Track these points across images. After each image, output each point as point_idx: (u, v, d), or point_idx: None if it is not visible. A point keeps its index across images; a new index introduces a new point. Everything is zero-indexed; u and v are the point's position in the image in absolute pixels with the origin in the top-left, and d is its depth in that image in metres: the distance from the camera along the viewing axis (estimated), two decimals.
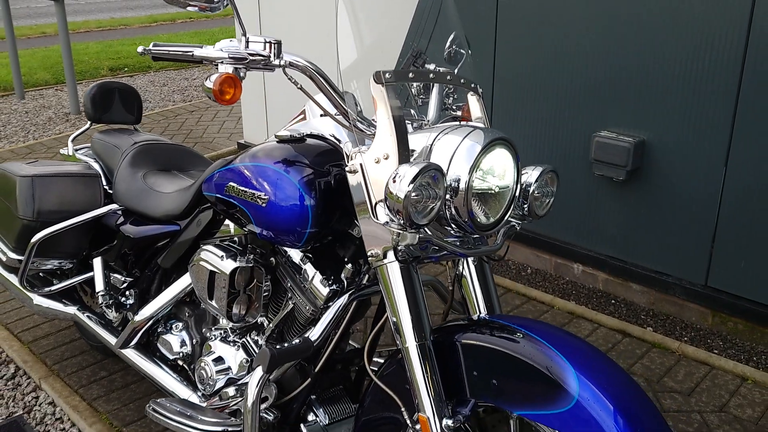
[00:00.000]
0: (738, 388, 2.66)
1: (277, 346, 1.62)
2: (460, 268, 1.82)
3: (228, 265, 1.89)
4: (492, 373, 1.53)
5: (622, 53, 3.14)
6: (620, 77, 3.17)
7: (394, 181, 1.46)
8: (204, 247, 1.99)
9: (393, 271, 1.59)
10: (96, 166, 2.60)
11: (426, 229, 1.56)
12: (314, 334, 1.71)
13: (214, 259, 1.93)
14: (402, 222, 1.48)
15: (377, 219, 1.58)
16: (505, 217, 1.66)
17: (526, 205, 1.73)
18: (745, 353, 2.95)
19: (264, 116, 5.12)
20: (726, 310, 3.07)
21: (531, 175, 1.72)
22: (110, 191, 2.54)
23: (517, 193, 1.68)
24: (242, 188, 1.85)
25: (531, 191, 1.71)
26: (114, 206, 2.42)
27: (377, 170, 1.58)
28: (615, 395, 1.41)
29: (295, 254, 1.92)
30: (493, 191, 1.61)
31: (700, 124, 2.97)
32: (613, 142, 3.16)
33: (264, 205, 1.80)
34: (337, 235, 1.86)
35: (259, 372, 1.65)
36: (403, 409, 1.64)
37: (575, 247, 3.54)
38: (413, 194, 1.44)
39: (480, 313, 1.79)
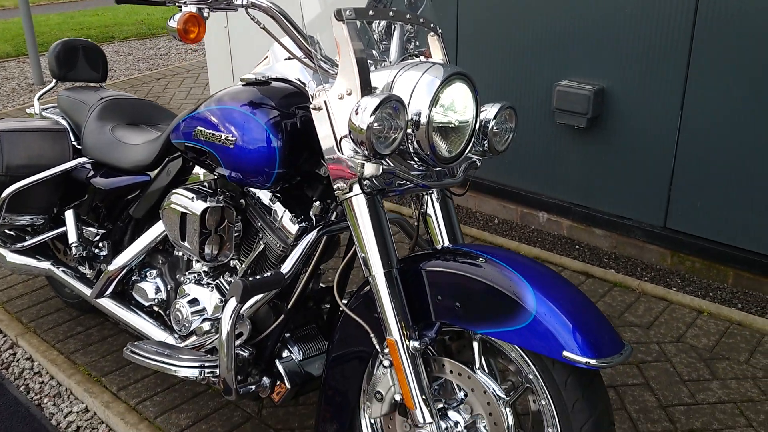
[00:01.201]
0: (694, 320, 2.79)
1: (250, 278, 1.68)
2: (425, 205, 1.90)
3: (198, 206, 1.94)
4: (455, 296, 1.61)
5: (581, 3, 3.20)
6: (579, 27, 3.24)
7: (357, 113, 1.52)
8: (175, 191, 2.04)
9: (359, 203, 1.66)
10: (63, 122, 2.61)
11: (389, 161, 1.62)
12: (285, 267, 1.77)
13: (184, 201, 1.98)
14: (366, 153, 1.54)
15: (342, 153, 1.64)
16: (466, 152, 1.72)
17: (485, 141, 1.79)
18: (701, 289, 3.09)
19: (231, 82, 5.11)
20: (684, 249, 3.19)
21: (490, 111, 1.78)
22: (78, 146, 2.56)
23: (477, 127, 1.74)
24: (210, 132, 1.89)
25: (490, 127, 1.78)
26: (83, 159, 2.44)
27: (341, 106, 1.64)
28: (570, 311, 1.50)
29: (264, 195, 1.98)
30: (453, 125, 1.67)
31: (656, 70, 3.05)
32: (573, 91, 3.24)
33: (232, 147, 1.84)
34: (304, 175, 1.91)
35: (232, 303, 1.71)
36: (372, 336, 1.72)
37: (540, 196, 3.64)
38: (375, 124, 1.50)
39: (444, 244, 1.87)
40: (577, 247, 3.50)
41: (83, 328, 2.87)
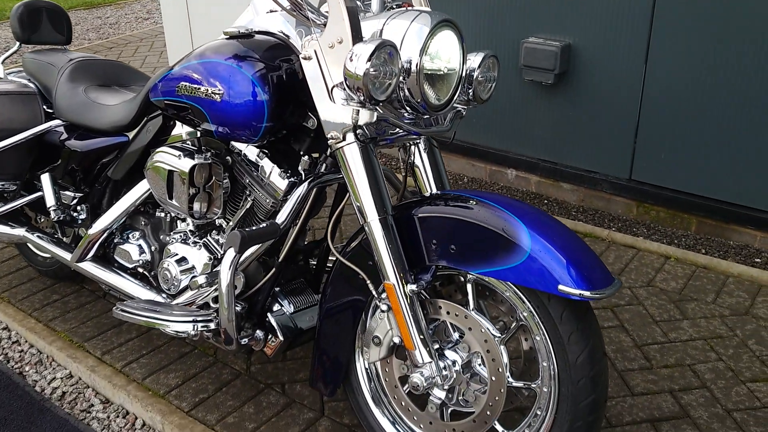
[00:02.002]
0: (662, 265, 2.90)
1: (247, 229, 1.69)
2: (412, 156, 1.93)
3: (186, 164, 1.93)
4: (450, 239, 1.65)
5: None
6: None
7: (351, 60, 1.53)
8: (159, 150, 2.02)
9: (353, 152, 1.68)
10: (31, 84, 2.54)
11: (382, 108, 1.64)
12: (279, 218, 1.78)
13: (171, 159, 1.97)
14: (362, 98, 1.56)
15: (335, 101, 1.65)
16: (454, 99, 1.75)
17: (470, 90, 1.83)
18: (666, 237, 3.20)
19: (190, 48, 5.02)
20: (649, 200, 3.30)
21: (474, 60, 1.81)
22: (49, 110, 2.50)
23: (463, 74, 1.77)
24: (195, 86, 1.87)
25: (475, 76, 1.81)
26: (57, 122, 2.39)
27: (332, 54, 1.65)
28: (563, 247, 1.55)
29: (251, 151, 1.98)
30: (442, 72, 1.70)
31: (621, 25, 3.12)
32: (540, 47, 3.29)
33: (219, 100, 1.83)
34: (290, 129, 1.92)
35: (230, 254, 1.72)
36: (368, 282, 1.75)
37: (508, 153, 3.70)
38: (372, 70, 1.52)
39: (432, 190, 1.90)
40: (545, 201, 3.59)
41: (59, 296, 2.83)
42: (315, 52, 1.67)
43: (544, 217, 1.67)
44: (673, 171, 3.19)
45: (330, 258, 2.20)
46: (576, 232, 3.16)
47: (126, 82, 2.55)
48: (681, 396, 2.18)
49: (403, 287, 1.67)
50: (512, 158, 3.69)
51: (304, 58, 1.69)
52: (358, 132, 1.65)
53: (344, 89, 1.63)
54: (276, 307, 2.04)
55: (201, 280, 1.89)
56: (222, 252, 2.05)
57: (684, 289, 2.73)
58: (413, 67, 1.63)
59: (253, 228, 1.72)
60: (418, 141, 1.90)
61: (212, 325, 1.95)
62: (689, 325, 2.52)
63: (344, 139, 1.67)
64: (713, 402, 2.15)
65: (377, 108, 1.61)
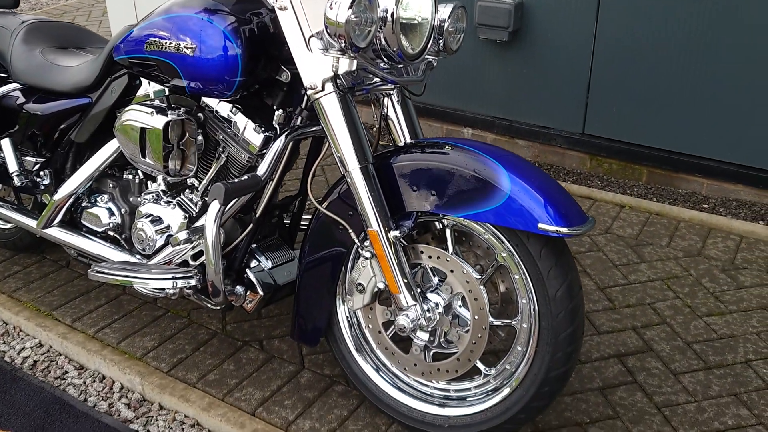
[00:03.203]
0: (618, 213, 3.02)
1: (230, 182, 1.70)
2: (385, 108, 1.95)
3: (159, 120, 1.91)
4: (430, 185, 1.70)
5: None
6: None
7: (332, 8, 1.54)
8: (130, 108, 1.99)
9: (331, 102, 1.70)
10: None
11: (361, 57, 1.66)
12: (260, 171, 1.79)
13: (143, 117, 1.94)
14: (343, 46, 1.57)
15: (312, 52, 1.66)
16: (427, 48, 1.78)
17: (441, 40, 1.86)
18: (619, 188, 3.33)
19: (135, 18, 4.88)
20: (602, 153, 3.42)
21: (444, 11, 1.84)
22: (2, 74, 2.43)
23: (435, 24, 1.80)
24: (165, 42, 1.85)
25: (446, 26, 1.84)
26: (15, 85, 2.32)
27: (309, 3, 1.65)
28: (541, 188, 1.62)
29: (223, 107, 1.97)
30: (416, 21, 1.73)
31: None
32: (494, 5, 3.34)
33: (192, 54, 1.82)
34: (263, 84, 1.92)
35: (215, 206, 1.72)
36: (350, 231, 1.79)
37: (464, 113, 3.76)
38: (353, 16, 1.53)
39: (405, 140, 1.94)
40: None
41: (20, 267, 2.76)
42: (290, 1, 1.67)
43: (520, 159, 1.72)
44: (625, 124, 3.30)
45: (304, 216, 2.22)
46: None
47: (82, 44, 2.49)
48: (644, 332, 2.30)
49: (387, 233, 1.70)
50: (468, 117, 3.75)
51: (280, 9, 1.69)
52: (338, 80, 1.67)
53: (322, 38, 1.64)
54: (254, 263, 2.05)
55: (182, 236, 1.89)
56: (197, 210, 2.04)
57: (639, 235, 2.85)
58: (389, 17, 1.65)
59: (235, 180, 1.72)
60: (391, 93, 1.93)
61: (193, 281, 1.95)
62: (647, 267, 2.64)
63: (323, 89, 1.69)
64: (674, 336, 2.28)
65: (357, 56, 1.63)
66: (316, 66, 1.68)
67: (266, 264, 2.06)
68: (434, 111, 3.86)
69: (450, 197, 1.67)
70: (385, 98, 1.95)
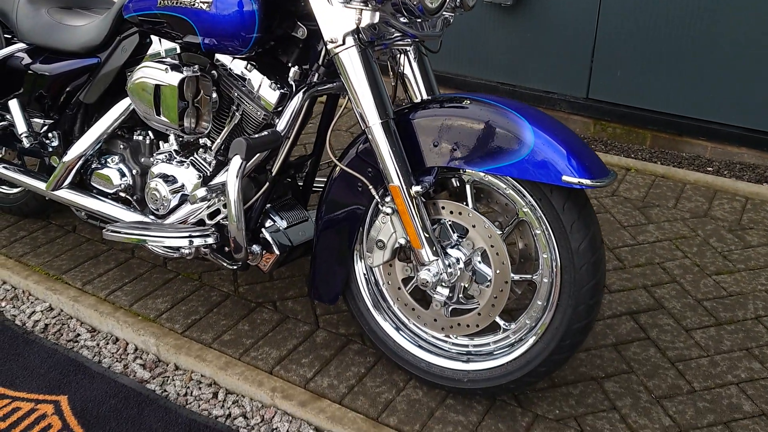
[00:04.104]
0: (624, 176, 3.03)
1: (251, 137, 1.68)
2: (401, 66, 1.94)
3: (174, 77, 1.89)
4: (451, 140, 1.69)
5: None
6: None
7: None
8: (143, 66, 1.96)
9: (352, 56, 1.68)
10: None
11: (383, 10, 1.64)
12: (279, 126, 1.78)
13: (158, 74, 1.92)
14: None
15: (333, 4, 1.65)
16: (446, 2, 1.77)
17: None
18: (624, 152, 3.34)
19: None
20: (606, 117, 3.42)
21: None
22: (7, 36, 2.38)
23: None
24: None
25: None
26: (21, 45, 2.28)
27: None
28: (564, 141, 1.62)
29: (238, 64, 1.95)
30: None
31: None
32: None
33: (208, 9, 1.79)
34: (278, 40, 1.90)
35: (237, 161, 1.71)
36: (370, 187, 1.78)
37: (467, 78, 3.74)
38: None
39: (423, 97, 1.93)
40: None
41: (26, 233, 2.74)
42: None
43: (541, 113, 1.72)
44: (629, 88, 3.30)
45: (318, 178, 2.21)
46: None
47: (87, 4, 2.45)
48: (654, 290, 2.32)
49: (408, 189, 1.70)
50: (471, 83, 3.74)
51: None
52: (360, 33, 1.65)
53: None
54: (269, 223, 2.04)
55: (201, 193, 1.88)
56: (210, 169, 2.02)
57: (646, 197, 2.87)
58: None
59: (256, 135, 1.71)
60: (407, 50, 1.91)
61: (211, 240, 1.94)
62: (654, 228, 2.66)
63: (344, 43, 1.67)
64: (684, 294, 2.30)
65: (380, 8, 1.61)
66: (336, 19, 1.66)
67: (281, 224, 2.06)
68: (437, 77, 3.82)
69: (471, 152, 1.67)
70: (401, 55, 1.93)
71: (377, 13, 1.62)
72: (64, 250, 2.63)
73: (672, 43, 3.11)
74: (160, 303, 2.32)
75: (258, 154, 1.82)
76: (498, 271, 1.73)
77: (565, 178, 1.57)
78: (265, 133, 1.74)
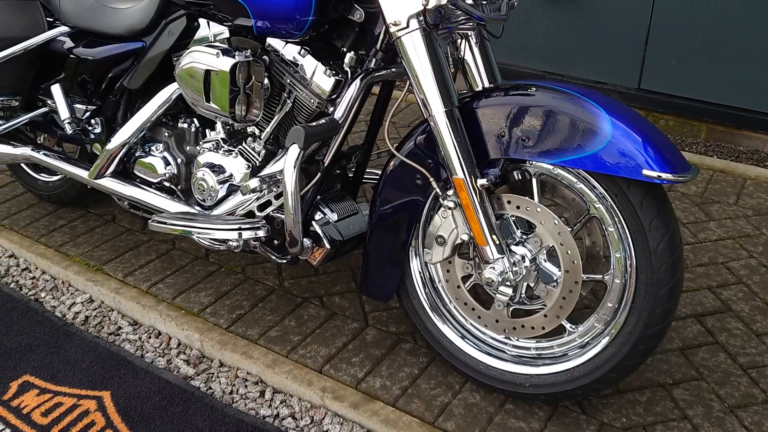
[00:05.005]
0: None
1: (309, 125, 1.60)
2: (461, 51, 1.83)
3: (226, 62, 1.80)
4: (518, 130, 1.59)
5: None
6: None
7: None
8: (192, 50, 1.88)
9: (416, 40, 1.58)
10: None
11: None
12: (337, 114, 1.69)
13: (208, 59, 1.83)
14: None
15: None
16: None
17: None
18: (678, 145, 3.20)
19: None
20: (659, 108, 3.29)
21: None
22: (49, 19, 2.32)
23: None
24: None
25: None
26: (64, 28, 2.21)
27: None
28: (643, 132, 1.51)
29: (290, 49, 1.85)
30: None
31: None
32: None
33: None
34: (333, 23, 1.81)
35: (294, 150, 1.62)
36: (431, 179, 1.68)
37: (512, 66, 3.62)
38: None
39: (485, 85, 1.83)
40: None
41: (65, 222, 2.68)
42: None
43: (616, 101, 1.61)
44: (683, 79, 3.17)
45: (368, 170, 2.12)
46: None
47: None
48: (720, 292, 2.20)
49: (474, 182, 1.60)
50: (516, 71, 3.62)
51: None
52: (425, 17, 1.55)
53: None
54: (318, 216, 1.95)
55: (254, 183, 1.79)
56: (260, 159, 1.94)
57: (705, 193, 2.74)
58: None
59: (314, 123, 1.62)
60: (469, 34, 1.81)
61: (261, 232, 1.86)
62: (716, 225, 2.53)
63: (408, 26, 1.57)
64: (752, 296, 2.18)
65: None
66: (401, 1, 1.56)
67: (332, 217, 1.97)
68: None
69: (541, 142, 1.57)
70: (462, 40, 1.83)
71: None
72: (104, 240, 2.56)
73: (730, 31, 2.97)
74: (204, 296, 2.24)
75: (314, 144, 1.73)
76: (568, 271, 1.63)
77: (645, 172, 1.46)
78: (323, 120, 1.65)
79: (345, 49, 1.83)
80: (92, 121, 2.27)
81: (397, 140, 1.81)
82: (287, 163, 1.63)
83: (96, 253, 2.49)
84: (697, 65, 3.10)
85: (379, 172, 2.29)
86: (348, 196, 2.06)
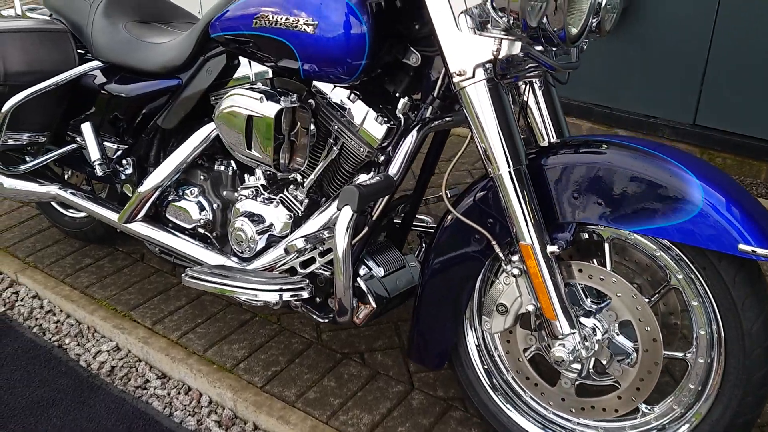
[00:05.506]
0: None
1: (362, 184, 1.45)
2: (525, 96, 1.68)
3: (271, 108, 1.66)
4: (594, 192, 1.43)
5: None
6: None
7: None
8: (233, 93, 1.75)
9: (482, 91, 1.43)
10: (58, 21, 2.23)
11: (525, 39, 1.39)
12: (392, 169, 1.54)
13: (251, 103, 1.70)
14: (511, 24, 1.31)
15: (462, 30, 1.40)
16: (586, 30, 1.51)
17: (596, 20, 1.59)
18: None
19: None
20: (716, 146, 3.10)
21: None
22: (80, 51, 2.20)
23: (603, 2, 1.53)
24: (281, 16, 1.60)
25: (603, 3, 1.57)
26: (97, 63, 2.09)
27: None
28: (738, 200, 1.35)
29: (338, 93, 1.72)
30: None
31: None
32: None
33: (312, 33, 1.57)
34: (386, 67, 1.67)
35: (347, 213, 1.47)
36: (493, 243, 1.53)
37: (560, 99, 3.45)
38: None
39: (551, 138, 1.67)
40: None
41: (92, 260, 2.56)
42: None
43: (706, 163, 1.45)
44: (743, 115, 2.98)
45: (418, 216, 1.97)
46: None
47: (165, 18, 2.26)
48: None
49: (543, 249, 1.45)
50: (562, 103, 3.43)
51: None
52: (495, 67, 1.40)
53: (479, 15, 1.38)
54: (363, 270, 1.80)
55: (299, 243, 1.65)
56: (302, 208, 1.80)
57: None
58: None
59: (367, 182, 1.47)
60: (534, 80, 1.66)
61: (305, 294, 1.71)
62: None
63: (473, 75, 1.43)
64: None
65: (523, 37, 1.36)
66: (466, 48, 1.41)
67: (378, 272, 1.82)
68: None
69: (620, 207, 1.41)
70: (526, 86, 1.68)
71: (518, 44, 1.37)
72: (132, 281, 2.44)
73: None
74: (237, 350, 2.10)
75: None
76: (647, 350, 1.46)
77: (741, 246, 1.29)
78: (378, 178, 1.50)
79: (398, 94, 1.69)
80: (123, 161, 2.14)
81: (449, 184, 1.65)
82: (339, 227, 1.48)
83: (123, 296, 2.36)
84: (757, 101, 2.92)
85: (426, 217, 2.16)
86: (394, 246, 1.91)
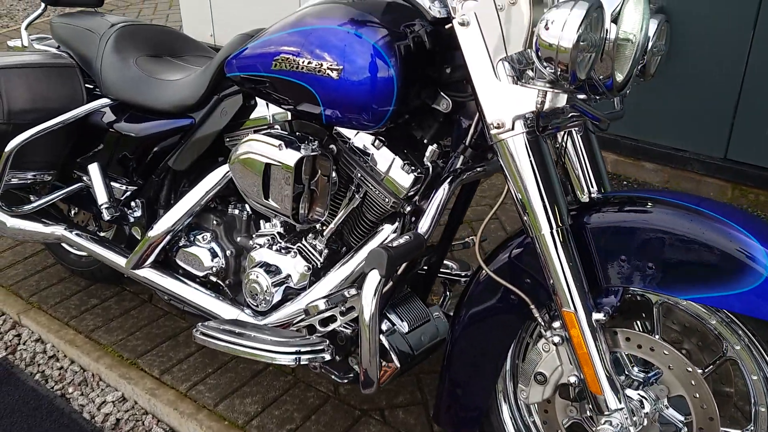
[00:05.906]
0: None
1: (391, 245, 1.33)
2: (564, 144, 1.57)
3: (291, 156, 1.55)
4: (647, 256, 1.31)
5: None
6: None
7: (549, 28, 1.16)
8: (250, 138, 1.64)
9: (520, 145, 1.32)
10: (66, 55, 2.13)
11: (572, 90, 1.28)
12: (422, 227, 1.42)
13: (268, 150, 1.58)
14: (558, 76, 1.19)
15: (500, 80, 1.29)
16: (632, 75, 1.39)
17: (641, 64, 1.47)
18: None
19: (208, 6, 4.57)
20: (747, 181, 2.97)
21: (649, 27, 1.45)
22: (88, 86, 2.10)
23: (647, 45, 1.42)
24: (303, 59, 1.49)
25: (649, 47, 1.46)
26: (106, 100, 1.99)
27: (503, 19, 1.27)
28: None
29: (362, 139, 1.60)
30: (631, 41, 1.33)
31: None
32: None
33: (336, 77, 1.46)
34: (414, 112, 1.55)
35: (375, 277, 1.35)
36: (532, 307, 1.41)
37: None
38: (582, 42, 1.15)
39: (592, 191, 1.55)
40: (625, 183, 3.24)
41: (98, 300, 2.45)
42: (476, 15, 1.30)
43: (763, 222, 1.32)
44: None
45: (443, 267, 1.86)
46: None
47: (178, 52, 2.16)
48: None
49: (589, 316, 1.32)
50: None
51: (461, 24, 1.31)
52: (537, 120, 1.28)
53: (515, 63, 1.27)
54: (386, 325, 1.68)
55: (321, 305, 1.53)
56: (321, 259, 1.69)
57: None
58: (610, 35, 1.27)
59: (395, 244, 1.35)
60: (574, 128, 1.54)
61: (325, 356, 1.59)
62: None
63: (513, 128, 1.31)
64: None
65: (570, 89, 1.24)
66: (505, 99, 1.29)
67: (402, 327, 1.69)
68: None
69: (673, 273, 1.28)
70: (564, 133, 1.56)
71: (565, 96, 1.25)
72: (140, 325, 2.32)
73: None
74: (249, 404, 1.98)
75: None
76: (702, 429, 1.33)
77: None
78: (407, 237, 1.38)
79: (426, 141, 1.57)
80: (132, 203, 2.04)
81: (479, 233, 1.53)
82: (366, 292, 1.36)
83: (130, 342, 2.24)
84: None
85: (451, 263, 2.04)
86: (417, 298, 1.79)
